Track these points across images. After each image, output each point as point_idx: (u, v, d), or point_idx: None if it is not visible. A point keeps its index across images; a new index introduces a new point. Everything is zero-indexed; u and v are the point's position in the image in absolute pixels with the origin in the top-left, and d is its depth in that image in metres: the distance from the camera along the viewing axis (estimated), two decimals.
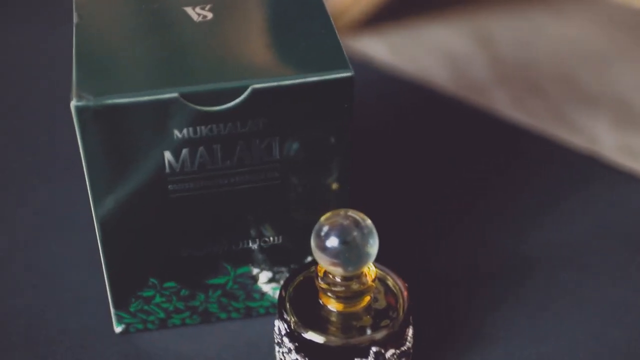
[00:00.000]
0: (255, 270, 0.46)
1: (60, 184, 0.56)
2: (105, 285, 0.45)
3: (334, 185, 0.44)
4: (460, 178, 0.56)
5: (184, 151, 0.41)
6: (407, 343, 0.42)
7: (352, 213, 0.40)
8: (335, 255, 0.40)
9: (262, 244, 0.45)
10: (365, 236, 0.40)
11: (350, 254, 0.40)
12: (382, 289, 0.43)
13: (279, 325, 0.42)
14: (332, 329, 0.42)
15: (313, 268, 0.43)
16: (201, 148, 0.41)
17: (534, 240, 0.52)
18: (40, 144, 0.60)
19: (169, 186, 0.42)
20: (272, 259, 0.46)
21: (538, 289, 0.49)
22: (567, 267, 0.50)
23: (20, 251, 0.52)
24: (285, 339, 0.42)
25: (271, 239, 0.45)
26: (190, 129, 0.41)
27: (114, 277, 0.45)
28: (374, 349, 0.41)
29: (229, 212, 0.43)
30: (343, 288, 0.41)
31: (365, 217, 0.40)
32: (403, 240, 0.52)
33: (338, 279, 0.41)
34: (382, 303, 0.43)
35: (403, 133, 0.60)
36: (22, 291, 0.49)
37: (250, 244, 0.45)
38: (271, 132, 0.41)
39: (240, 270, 0.46)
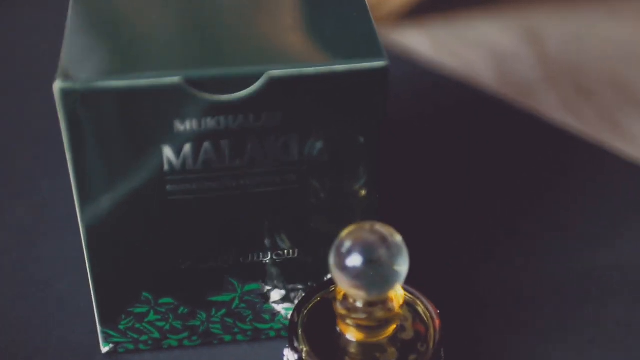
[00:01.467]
0: (266, 288, 0.42)
1: (55, 180, 0.54)
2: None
3: (362, 193, 0.40)
4: (504, 188, 0.54)
5: (186, 146, 0.37)
6: None
7: (378, 227, 0.37)
8: (357, 276, 0.36)
9: (274, 257, 0.41)
10: (394, 255, 0.36)
11: (375, 275, 0.36)
12: (410, 315, 0.40)
13: (289, 355, 0.39)
14: None
15: (333, 288, 0.40)
16: (206, 143, 0.37)
17: (585, 263, 0.49)
18: (35, 136, 0.58)
19: (168, 186, 0.38)
20: (286, 275, 0.42)
21: (587, 320, 0.46)
22: (620, 294, 0.47)
23: (5, 254, 0.49)
24: None
25: (286, 252, 0.41)
26: (194, 120, 0.37)
27: (101, 290, 0.41)
28: None
29: (237, 219, 0.40)
30: (365, 315, 0.37)
31: (394, 232, 0.37)
32: (437, 259, 0.49)
33: (359, 304, 0.37)
34: (409, 333, 0.39)
35: (441, 134, 0.58)
36: (3, 299, 0.47)
37: (261, 257, 0.41)
38: (289, 128, 0.38)
39: (248, 287, 0.42)
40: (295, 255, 0.41)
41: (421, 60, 0.65)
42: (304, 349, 0.38)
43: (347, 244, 0.36)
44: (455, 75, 0.63)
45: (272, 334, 0.44)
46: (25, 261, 0.48)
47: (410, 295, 0.40)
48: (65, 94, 0.35)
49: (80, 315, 0.45)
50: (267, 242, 0.41)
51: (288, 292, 0.43)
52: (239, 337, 0.44)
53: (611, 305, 0.47)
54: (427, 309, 0.40)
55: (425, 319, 0.39)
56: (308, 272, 0.42)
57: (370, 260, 0.36)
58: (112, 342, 0.43)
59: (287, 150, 0.38)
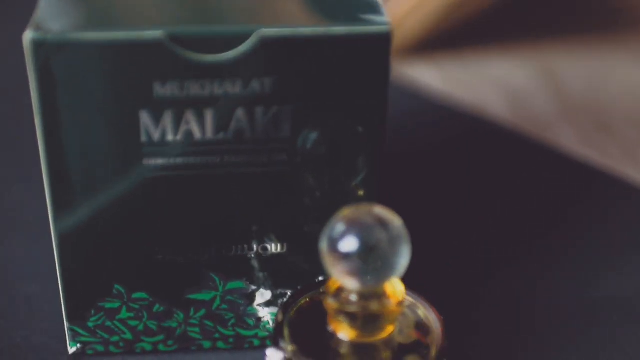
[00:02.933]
0: (251, 287, 0.39)
1: (23, 175, 0.52)
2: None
3: (359, 192, 0.38)
4: (518, 217, 0.52)
5: (167, 114, 0.34)
6: None
7: (378, 210, 0.34)
8: (351, 262, 0.33)
9: (260, 251, 0.38)
10: (393, 240, 0.33)
11: (371, 261, 0.33)
12: (411, 319, 0.37)
13: (272, 356, 0.35)
14: None
15: (323, 288, 0.36)
16: (188, 112, 0.34)
17: (597, 290, 0.48)
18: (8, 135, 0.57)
19: (144, 160, 0.35)
20: (273, 274, 0.39)
21: (595, 346, 0.44)
22: (631, 322, 0.45)
23: None
24: None
25: (272, 246, 0.38)
26: (176, 83, 0.34)
27: (70, 280, 0.38)
28: None
29: (220, 203, 0.37)
30: (359, 308, 0.34)
31: (396, 217, 0.33)
32: (443, 269, 0.47)
33: (353, 298, 0.34)
34: (408, 337, 0.36)
35: (453, 165, 0.57)
36: None
37: (246, 251, 0.38)
38: (280, 98, 0.35)
39: (231, 285, 0.39)
40: (284, 250, 0.38)
41: (432, 94, 0.64)
42: (290, 348, 0.34)
43: (341, 226, 0.33)
44: (467, 109, 0.62)
45: (256, 342, 0.41)
46: None
47: (411, 299, 0.37)
48: (36, 45, 0.33)
49: (47, 314, 0.43)
50: (251, 233, 0.38)
51: (275, 295, 0.39)
52: (220, 344, 0.41)
53: (621, 335, 0.45)
54: (429, 314, 0.37)
55: (427, 324, 0.36)
56: (297, 273, 0.39)
57: (366, 244, 0.33)
58: (80, 342, 0.40)
59: (278, 125, 0.35)
